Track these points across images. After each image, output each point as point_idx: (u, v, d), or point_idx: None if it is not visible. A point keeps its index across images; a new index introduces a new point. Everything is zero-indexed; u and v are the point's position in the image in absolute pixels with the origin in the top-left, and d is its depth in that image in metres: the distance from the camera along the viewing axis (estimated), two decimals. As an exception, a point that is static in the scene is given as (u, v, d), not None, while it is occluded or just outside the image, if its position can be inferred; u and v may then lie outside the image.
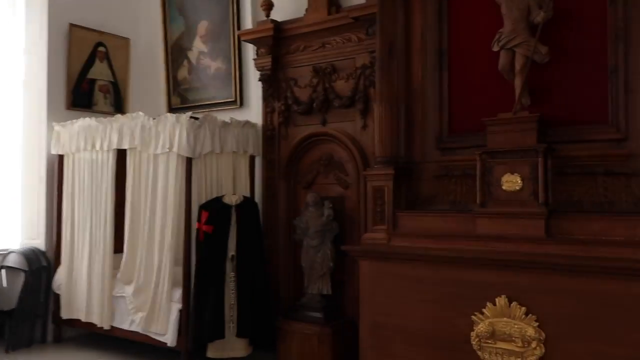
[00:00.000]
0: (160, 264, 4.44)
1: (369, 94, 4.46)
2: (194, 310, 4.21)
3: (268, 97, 5.00)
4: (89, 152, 5.00)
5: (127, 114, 4.71)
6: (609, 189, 3.28)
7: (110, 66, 5.90)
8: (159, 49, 5.99)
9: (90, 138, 4.93)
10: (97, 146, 4.89)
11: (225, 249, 4.28)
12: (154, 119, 4.56)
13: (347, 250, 3.89)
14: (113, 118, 4.80)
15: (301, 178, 4.88)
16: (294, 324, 4.34)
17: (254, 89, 5.28)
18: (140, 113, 4.63)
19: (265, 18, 4.96)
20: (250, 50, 5.28)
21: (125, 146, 4.69)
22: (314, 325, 4.25)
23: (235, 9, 5.27)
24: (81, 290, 4.97)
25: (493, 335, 3.18)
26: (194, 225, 4.38)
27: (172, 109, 5.80)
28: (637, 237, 2.94)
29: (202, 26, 5.57)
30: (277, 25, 4.82)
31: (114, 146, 4.76)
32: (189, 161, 4.40)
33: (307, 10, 4.83)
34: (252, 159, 5.05)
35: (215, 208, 4.28)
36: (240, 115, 5.08)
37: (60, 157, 5.26)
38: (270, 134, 4.99)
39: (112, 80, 5.92)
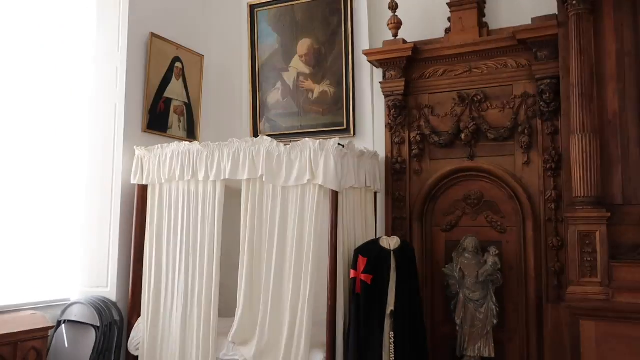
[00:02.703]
0: (294, 321, 3.63)
1: (534, 126, 3.95)
2: (349, 379, 3.42)
3: (396, 125, 4.39)
4: (185, 182, 4.17)
5: (246, 138, 3.95)
6: None
7: (185, 85, 5.12)
8: (242, 68, 5.29)
9: (190, 166, 4.11)
10: (200, 176, 4.06)
11: (384, 303, 3.55)
12: (285, 144, 3.83)
13: (569, 307, 3.25)
14: (225, 142, 4.02)
15: (439, 220, 4.25)
16: (460, 395, 3.64)
17: (369, 116, 4.66)
18: (265, 137, 3.89)
19: (391, 38, 4.43)
20: (365, 73, 4.69)
21: (242, 176, 3.90)
22: (487, 396, 3.57)
23: (350, 27, 4.68)
24: (171, 350, 4.04)
25: None
26: (341, 273, 3.64)
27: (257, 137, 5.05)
28: None
29: (303, 45, 4.93)
30: (416, 46, 4.26)
31: (225, 176, 3.96)
32: (334, 195, 3.68)
33: (447, 30, 4.32)
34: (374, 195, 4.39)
35: (373, 253, 3.56)
36: (351, 146, 4.41)
37: (142, 188, 4.37)
38: (399, 168, 4.36)
39: (186, 101, 5.13)
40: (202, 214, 4.08)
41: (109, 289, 4.36)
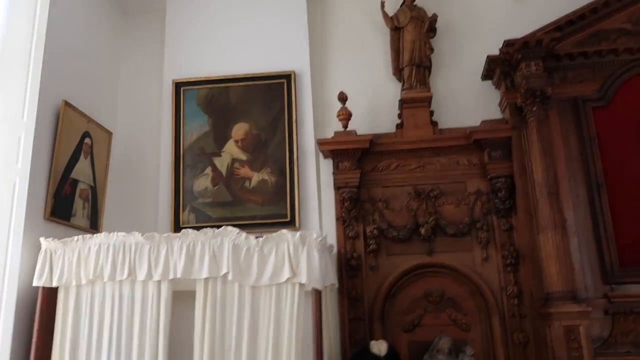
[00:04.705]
0: None
1: (490, 222, 4.05)
2: None
3: (350, 219, 4.16)
4: (116, 283, 3.34)
5: (206, 229, 3.33)
6: None
7: (92, 165, 4.31)
8: (159, 149, 4.64)
9: (126, 263, 3.32)
10: (141, 275, 3.29)
11: (380, 421, 3.10)
12: (257, 237, 3.32)
13: None
14: (177, 234, 3.35)
15: (399, 319, 4.00)
16: None
17: (314, 208, 4.36)
18: (230, 228, 3.33)
19: (337, 128, 4.33)
20: (309, 162, 4.43)
21: (199, 275, 3.25)
22: None
23: (294, 114, 4.46)
24: None
25: None
26: (327, 389, 3.13)
27: (179, 229, 4.37)
28: None
29: (240, 129, 4.53)
30: (373, 139, 4.18)
31: (176, 274, 3.26)
32: (318, 295, 3.24)
33: (399, 126, 4.35)
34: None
35: (368, 362, 3.15)
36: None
37: (49, 292, 3.39)
38: (355, 264, 4.08)
39: (92, 184, 4.29)
40: (141, 323, 3.28)
41: None
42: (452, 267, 3.99)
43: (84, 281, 3.35)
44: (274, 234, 3.31)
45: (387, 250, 4.12)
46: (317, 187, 4.38)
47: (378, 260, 4.10)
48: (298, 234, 3.28)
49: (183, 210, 4.47)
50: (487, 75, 4.31)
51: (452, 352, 3.69)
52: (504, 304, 3.89)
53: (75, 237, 3.45)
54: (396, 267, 4.04)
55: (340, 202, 4.19)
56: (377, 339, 3.90)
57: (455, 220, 4.08)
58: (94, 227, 4.27)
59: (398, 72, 4.47)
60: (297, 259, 3.23)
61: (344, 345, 3.92)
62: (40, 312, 3.35)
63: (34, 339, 3.30)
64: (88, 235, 3.45)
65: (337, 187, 4.22)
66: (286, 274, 3.20)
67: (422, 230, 4.05)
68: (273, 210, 4.35)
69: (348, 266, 4.08)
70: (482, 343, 3.87)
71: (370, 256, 4.10)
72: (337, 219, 4.20)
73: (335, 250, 4.14)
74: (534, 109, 3.81)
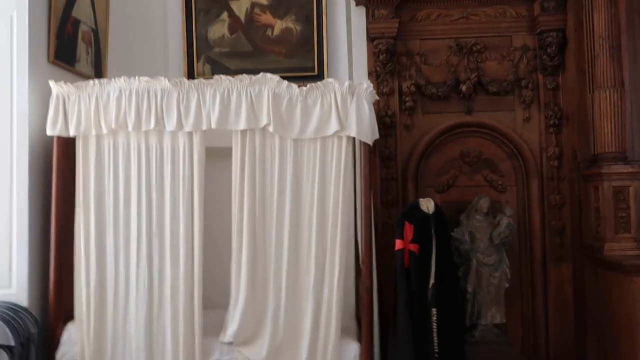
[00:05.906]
0: (319, 308, 2.89)
1: (536, 81, 3.79)
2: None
3: (385, 73, 3.82)
4: (142, 134, 3.01)
5: (241, 76, 2.96)
6: None
7: (93, 5, 3.76)
8: (169, -9, 4.09)
9: (153, 111, 2.96)
10: (170, 125, 2.96)
11: (428, 276, 3.04)
12: (299, 86, 2.98)
13: (628, 265, 3.10)
14: (210, 80, 2.98)
15: (432, 180, 3.85)
16: (491, 368, 3.35)
17: (344, 60, 3.99)
18: (269, 75, 2.97)
19: (371, -28, 3.82)
20: (339, 10, 3.99)
21: (236, 126, 2.94)
22: (518, 366, 3.35)
23: (321, -49, 3.91)
24: (133, 365, 2.94)
25: None
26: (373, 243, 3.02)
27: (194, 81, 3.97)
28: None
29: (259, -32, 3.99)
30: (413, -18, 3.74)
31: (210, 125, 2.95)
32: (367, 149, 3.01)
33: (441, -30, 3.88)
34: (359, 153, 3.79)
35: (418, 219, 3.01)
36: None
37: (66, 142, 3.05)
38: (389, 122, 3.82)
39: (94, 27, 3.77)
40: (173, 176, 3.00)
41: (14, 289, 3.01)
42: (491, 126, 3.78)
43: (105, 130, 3.00)
44: (318, 83, 2.98)
45: (423, 108, 3.85)
46: (348, 37, 3.97)
47: (413, 119, 3.84)
48: (346, 83, 2.96)
49: (197, 61, 4.03)
50: None
51: (489, 213, 3.59)
52: (542, 166, 3.76)
53: (91, 82, 3.04)
54: (432, 126, 3.81)
55: (374, 55, 3.82)
56: (410, 199, 3.79)
57: (498, 78, 3.79)
58: (98, 76, 3.81)
59: None
60: (345, 111, 2.93)
61: (375, 204, 3.78)
62: (57, 163, 3.03)
63: (54, 193, 3.02)
64: (105, 80, 3.04)
65: (372, 39, 3.81)
66: (334, 126, 2.92)
67: (463, 88, 3.77)
68: (298, 63, 3.97)
69: (381, 124, 3.81)
70: (518, 204, 3.79)
71: (405, 114, 3.84)
72: (370, 73, 3.86)
73: (366, 107, 3.86)
74: (601, -47, 3.40)
